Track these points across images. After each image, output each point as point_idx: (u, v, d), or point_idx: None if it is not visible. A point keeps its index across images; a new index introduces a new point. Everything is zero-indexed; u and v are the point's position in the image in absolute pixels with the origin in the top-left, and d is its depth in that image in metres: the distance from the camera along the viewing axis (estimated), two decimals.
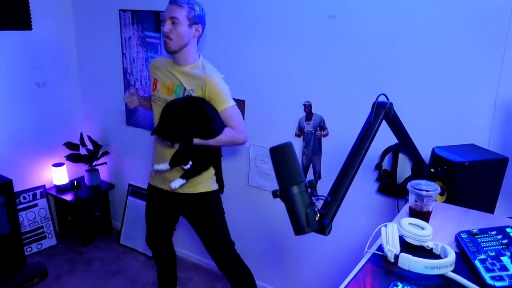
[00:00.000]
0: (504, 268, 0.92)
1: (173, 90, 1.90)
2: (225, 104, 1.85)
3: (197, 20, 1.83)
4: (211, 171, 2.02)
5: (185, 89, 1.87)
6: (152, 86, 2.02)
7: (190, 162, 1.84)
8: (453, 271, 0.94)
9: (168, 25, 1.79)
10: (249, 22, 2.24)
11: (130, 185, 3.11)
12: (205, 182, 2.00)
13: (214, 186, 2.04)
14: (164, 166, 1.89)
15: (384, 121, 1.16)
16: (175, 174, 1.94)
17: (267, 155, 2.25)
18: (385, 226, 1.07)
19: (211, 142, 1.84)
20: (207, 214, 2.04)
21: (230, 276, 2.13)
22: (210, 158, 1.98)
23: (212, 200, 2.04)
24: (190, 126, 1.79)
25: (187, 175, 1.91)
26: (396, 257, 0.97)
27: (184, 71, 1.89)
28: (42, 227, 3.05)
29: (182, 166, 1.85)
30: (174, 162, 1.88)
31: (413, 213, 1.20)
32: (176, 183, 1.89)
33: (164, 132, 1.79)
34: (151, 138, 2.89)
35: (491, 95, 1.66)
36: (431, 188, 1.19)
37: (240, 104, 2.36)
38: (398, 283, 0.91)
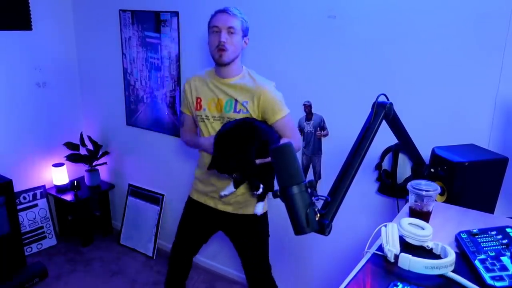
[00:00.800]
0: (504, 268, 0.92)
1: (222, 105, 1.77)
2: (280, 113, 1.75)
3: (247, 32, 1.78)
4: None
5: (236, 102, 1.75)
6: (195, 106, 1.84)
7: (262, 186, 1.73)
8: (453, 271, 0.94)
9: (224, 34, 1.68)
10: (249, 22, 2.24)
11: (130, 185, 3.12)
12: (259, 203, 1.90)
13: (266, 207, 1.95)
14: (229, 190, 1.76)
15: (384, 121, 1.16)
16: (235, 196, 1.85)
17: None
18: (385, 226, 1.06)
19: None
20: (255, 237, 1.95)
21: None
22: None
23: (263, 223, 1.96)
24: (249, 152, 1.66)
25: (264, 196, 1.81)
26: (396, 257, 0.97)
27: (232, 83, 1.77)
28: (42, 227, 3.05)
29: (255, 192, 1.75)
30: (238, 185, 1.77)
31: (413, 213, 1.20)
32: (259, 209, 1.80)
33: (226, 164, 1.63)
34: (151, 138, 2.91)
35: (491, 95, 1.66)
36: (431, 188, 1.19)
37: None
38: (398, 283, 0.91)
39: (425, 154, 1.60)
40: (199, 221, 1.99)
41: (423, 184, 1.21)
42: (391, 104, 1.15)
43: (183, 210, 2.05)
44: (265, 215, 1.96)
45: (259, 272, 2.01)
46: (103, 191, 3.19)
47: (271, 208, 2.42)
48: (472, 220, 1.22)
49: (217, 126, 1.78)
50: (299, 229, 0.91)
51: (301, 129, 2.21)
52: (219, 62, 1.73)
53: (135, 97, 2.87)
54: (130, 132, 3.01)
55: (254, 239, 1.96)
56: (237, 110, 1.75)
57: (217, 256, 2.78)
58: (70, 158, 3.06)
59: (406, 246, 1.06)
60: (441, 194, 1.42)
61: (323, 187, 2.20)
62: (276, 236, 2.48)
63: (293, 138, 1.76)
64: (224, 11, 1.72)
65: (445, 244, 1.02)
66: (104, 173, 3.26)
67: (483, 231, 1.08)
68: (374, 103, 1.13)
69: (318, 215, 0.93)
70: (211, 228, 2.02)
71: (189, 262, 2.13)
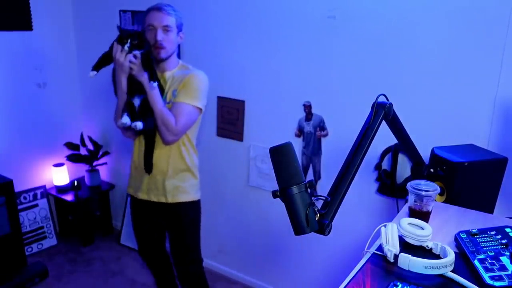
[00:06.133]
0: (503, 268, 0.93)
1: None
2: (189, 99, 1.76)
3: (181, 27, 1.83)
4: (197, 178, 1.97)
5: (167, 94, 1.80)
6: None
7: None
8: (452, 271, 0.94)
9: (160, 33, 1.74)
10: (249, 22, 2.24)
11: None
12: (191, 192, 1.94)
13: (199, 195, 1.99)
14: (125, 119, 1.70)
15: (384, 121, 1.16)
16: (159, 184, 1.87)
17: (267, 155, 2.25)
18: (385, 226, 1.07)
19: (153, 92, 1.69)
20: (186, 226, 1.96)
21: None
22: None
23: (195, 211, 1.98)
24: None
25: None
26: (396, 257, 0.97)
27: (168, 76, 1.84)
28: (42, 227, 3.05)
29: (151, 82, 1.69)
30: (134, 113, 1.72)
31: (413, 213, 1.20)
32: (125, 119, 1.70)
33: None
34: None
35: (490, 95, 1.66)
36: (430, 188, 1.19)
37: (240, 104, 2.37)
38: (398, 283, 0.91)
39: (425, 154, 1.60)
40: (144, 215, 2.02)
41: (422, 184, 1.21)
42: (390, 104, 1.15)
43: (131, 210, 2.08)
44: (198, 202, 1.99)
45: (189, 263, 2.02)
46: (104, 191, 3.19)
47: (271, 208, 2.43)
48: (471, 220, 1.22)
49: None
50: (299, 229, 0.91)
51: (301, 129, 2.21)
52: (157, 59, 1.78)
53: None
54: None
55: (185, 227, 1.96)
56: (167, 101, 1.80)
57: (217, 256, 2.78)
58: (70, 158, 3.07)
59: (405, 246, 1.06)
60: (440, 194, 1.43)
61: (323, 187, 2.21)
62: (276, 236, 2.49)
63: (176, 123, 1.73)
64: (158, 9, 1.74)
65: (444, 244, 1.02)
66: (104, 173, 3.26)
67: (483, 231, 1.08)
68: (374, 103, 1.13)
69: (318, 215, 0.93)
70: (156, 220, 2.03)
71: (163, 257, 2.15)
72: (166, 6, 1.76)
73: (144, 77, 1.67)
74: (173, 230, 1.99)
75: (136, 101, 1.72)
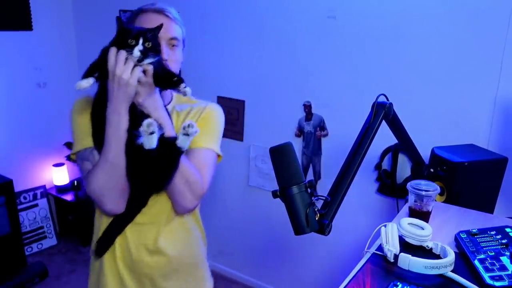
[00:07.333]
0: (503, 268, 0.93)
1: None
2: (214, 144, 1.21)
3: (185, 42, 1.22)
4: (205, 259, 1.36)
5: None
6: None
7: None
8: (452, 271, 0.94)
9: (166, 49, 1.11)
10: (249, 22, 2.24)
11: None
12: (211, 279, 1.38)
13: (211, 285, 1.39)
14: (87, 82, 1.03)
15: (384, 121, 1.16)
16: (162, 266, 1.25)
17: (267, 155, 2.24)
18: (385, 226, 1.07)
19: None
20: None
21: None
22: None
23: None
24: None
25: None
26: (396, 257, 0.97)
27: (170, 111, 1.17)
28: (42, 227, 3.05)
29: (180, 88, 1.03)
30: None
31: (413, 213, 1.20)
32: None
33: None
34: None
35: (490, 95, 1.66)
36: (430, 188, 1.19)
37: (240, 104, 2.37)
38: (398, 283, 0.91)
39: (425, 154, 1.60)
40: None
41: (422, 184, 1.21)
42: (390, 104, 1.15)
43: None
44: None
45: None
46: None
47: (271, 208, 2.43)
48: (471, 220, 1.22)
49: None
50: (299, 229, 0.91)
51: (301, 129, 2.21)
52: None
53: None
54: None
55: None
56: None
57: (217, 257, 2.78)
58: (70, 158, 3.07)
59: (405, 246, 1.06)
60: (440, 194, 1.43)
61: (323, 187, 2.21)
62: (276, 236, 2.49)
63: (202, 176, 1.17)
64: (160, 11, 1.12)
65: (444, 244, 1.02)
66: None
67: (483, 231, 1.08)
68: (374, 103, 1.13)
69: (318, 215, 0.93)
70: None
71: None
72: (169, 7, 1.15)
73: (155, 103, 1.04)
74: None
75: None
